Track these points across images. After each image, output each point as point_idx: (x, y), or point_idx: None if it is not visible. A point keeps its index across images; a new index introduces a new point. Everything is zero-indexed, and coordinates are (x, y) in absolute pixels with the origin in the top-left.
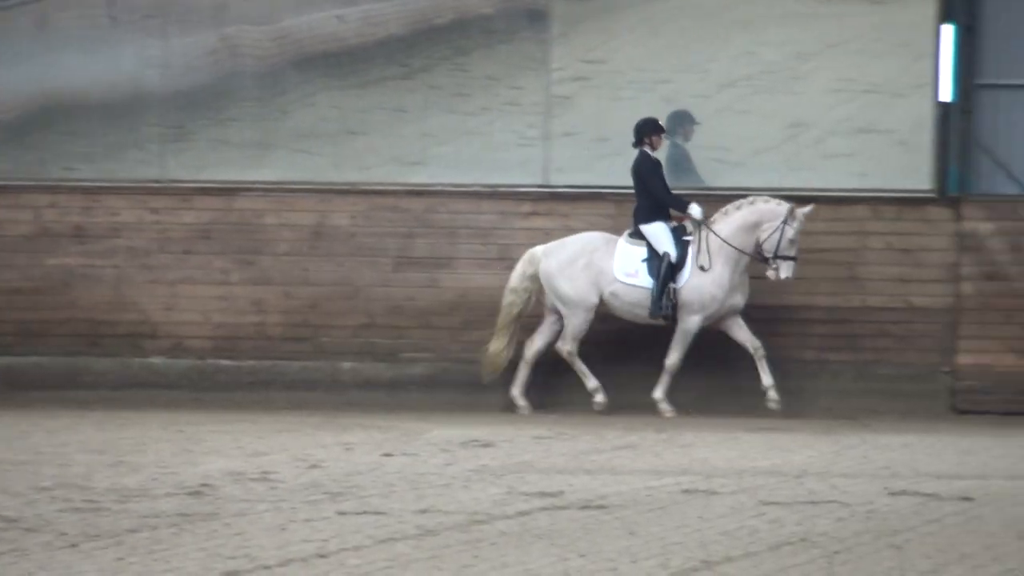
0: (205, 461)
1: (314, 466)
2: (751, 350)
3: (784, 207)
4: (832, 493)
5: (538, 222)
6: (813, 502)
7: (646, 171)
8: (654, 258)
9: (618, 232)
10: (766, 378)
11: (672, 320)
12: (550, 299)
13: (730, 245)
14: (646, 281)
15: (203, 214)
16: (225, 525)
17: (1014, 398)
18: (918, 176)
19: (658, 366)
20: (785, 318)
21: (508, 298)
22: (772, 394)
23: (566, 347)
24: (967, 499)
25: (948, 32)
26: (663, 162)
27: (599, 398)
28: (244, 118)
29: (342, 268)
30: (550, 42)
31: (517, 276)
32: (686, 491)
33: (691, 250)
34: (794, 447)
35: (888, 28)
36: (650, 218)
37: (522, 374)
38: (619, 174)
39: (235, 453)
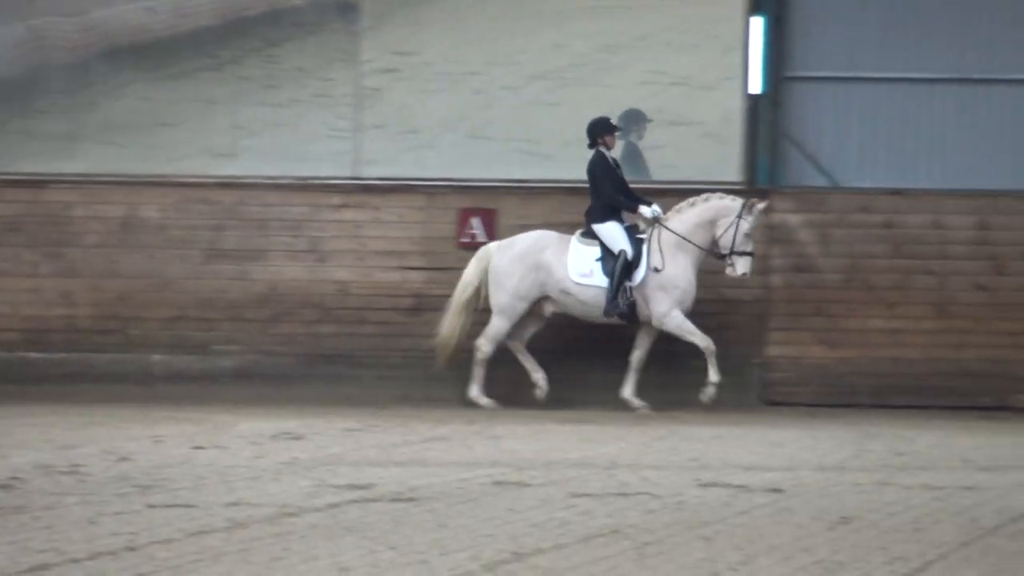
0: (14, 454)
1: (124, 459)
2: (636, 358)
3: (738, 202)
4: (642, 485)
5: (348, 214)
6: (623, 494)
7: (600, 172)
8: (608, 257)
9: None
10: (631, 376)
11: (628, 319)
12: (490, 293)
13: (689, 241)
14: (600, 280)
15: (11, 206)
16: (34, 518)
17: (823, 389)
18: (728, 168)
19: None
20: None
21: (459, 293)
22: (628, 393)
23: (483, 344)
24: (777, 490)
25: (757, 24)
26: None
27: (480, 400)
28: (53, 110)
29: (152, 260)
30: (360, 34)
31: (472, 272)
32: (497, 483)
33: (645, 249)
34: (604, 439)
35: (697, 20)
36: (603, 217)
37: (526, 363)
38: (430, 166)
39: (44, 446)
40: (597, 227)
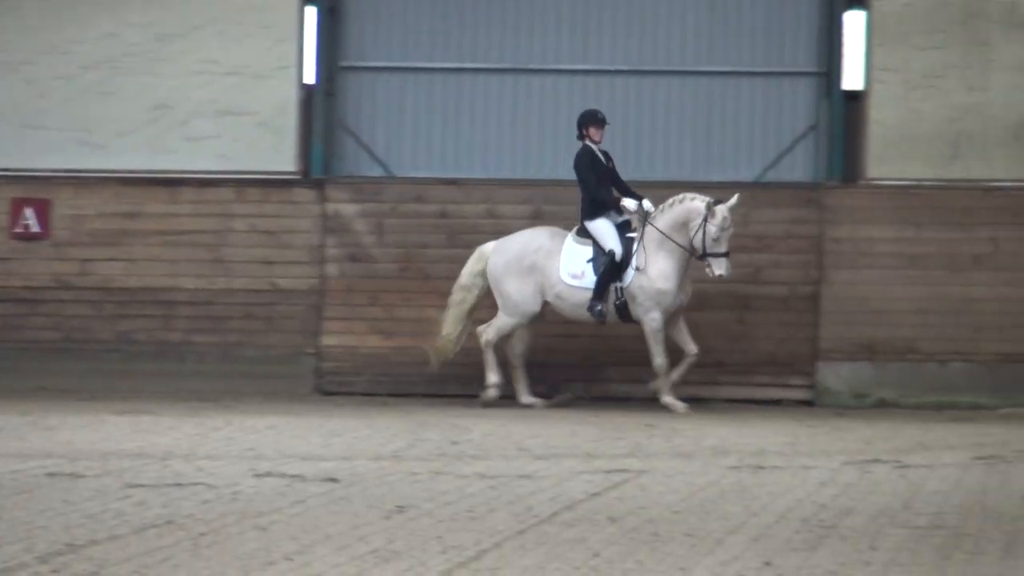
0: None
1: None
2: (686, 353)
3: (703, 205)
4: (198, 475)
5: None
6: (179, 484)
7: (582, 166)
8: (600, 256)
9: None
10: (675, 373)
11: (622, 318)
12: (495, 295)
13: (672, 240)
14: (591, 282)
15: None
16: None
17: (378, 379)
18: (283, 158)
19: None
20: (150, 300)
21: (458, 295)
22: (665, 394)
23: (486, 335)
24: (333, 480)
25: (311, 14)
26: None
27: (492, 393)
28: None
29: None
30: None
31: (467, 273)
32: (51, 474)
33: (635, 245)
34: (160, 429)
35: (251, 10)
36: (593, 214)
37: (520, 379)
38: None
39: None
40: (588, 224)
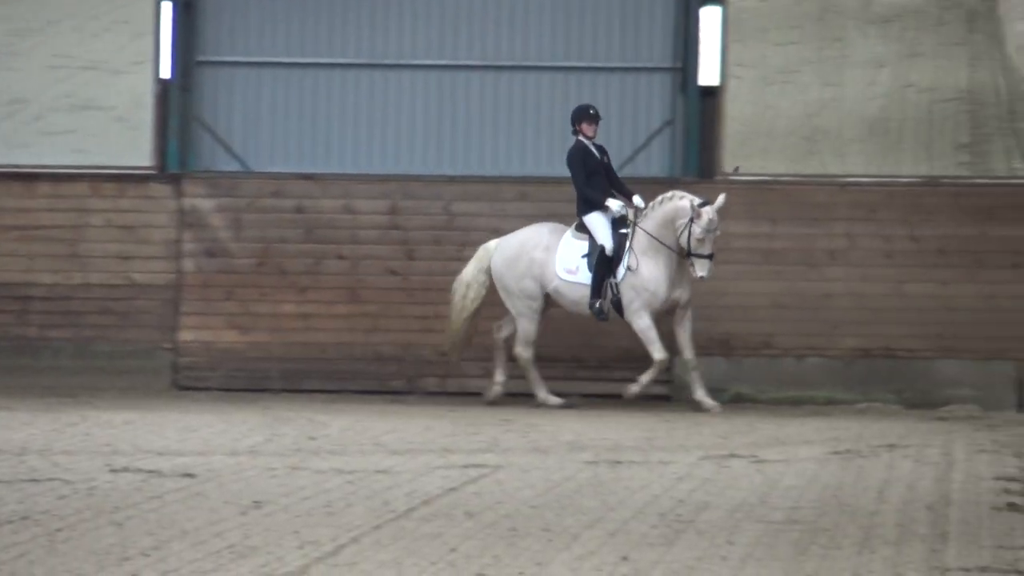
0: None
1: None
2: (685, 359)
3: (689, 205)
4: (53, 471)
5: None
6: (34, 480)
7: (573, 162)
8: (595, 252)
9: None
10: (698, 392)
11: (619, 313)
12: (501, 296)
13: (658, 240)
14: (586, 278)
15: None
16: None
17: (234, 374)
18: (139, 153)
19: None
20: (6, 295)
21: (460, 290)
22: (708, 403)
23: (520, 351)
24: (189, 475)
25: (167, 9)
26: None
27: (553, 401)
28: None
29: None
30: None
31: (471, 270)
32: None
33: (627, 245)
34: (15, 425)
35: (107, 5)
36: (587, 208)
37: (499, 361)
38: None
39: None
40: (584, 217)
